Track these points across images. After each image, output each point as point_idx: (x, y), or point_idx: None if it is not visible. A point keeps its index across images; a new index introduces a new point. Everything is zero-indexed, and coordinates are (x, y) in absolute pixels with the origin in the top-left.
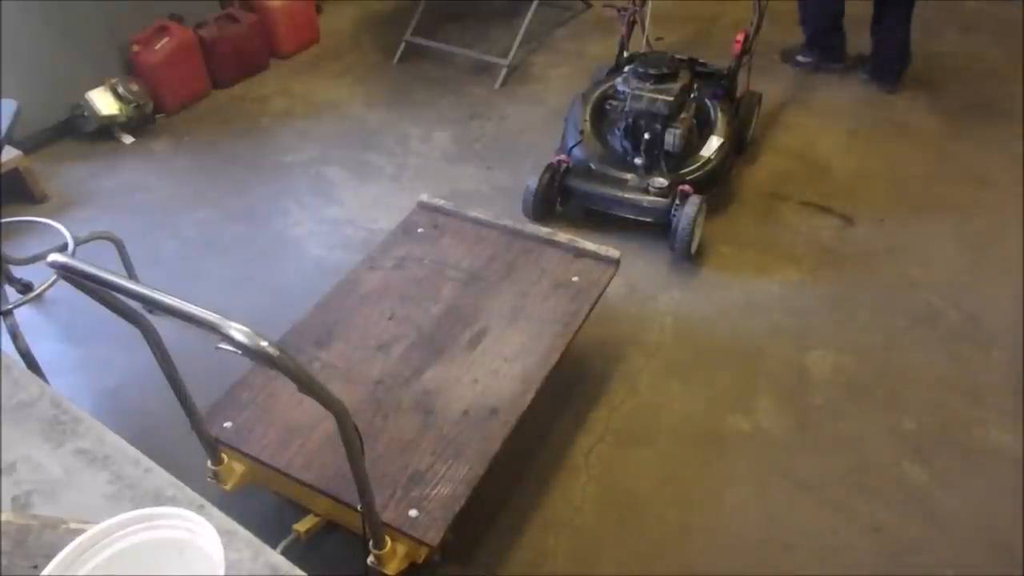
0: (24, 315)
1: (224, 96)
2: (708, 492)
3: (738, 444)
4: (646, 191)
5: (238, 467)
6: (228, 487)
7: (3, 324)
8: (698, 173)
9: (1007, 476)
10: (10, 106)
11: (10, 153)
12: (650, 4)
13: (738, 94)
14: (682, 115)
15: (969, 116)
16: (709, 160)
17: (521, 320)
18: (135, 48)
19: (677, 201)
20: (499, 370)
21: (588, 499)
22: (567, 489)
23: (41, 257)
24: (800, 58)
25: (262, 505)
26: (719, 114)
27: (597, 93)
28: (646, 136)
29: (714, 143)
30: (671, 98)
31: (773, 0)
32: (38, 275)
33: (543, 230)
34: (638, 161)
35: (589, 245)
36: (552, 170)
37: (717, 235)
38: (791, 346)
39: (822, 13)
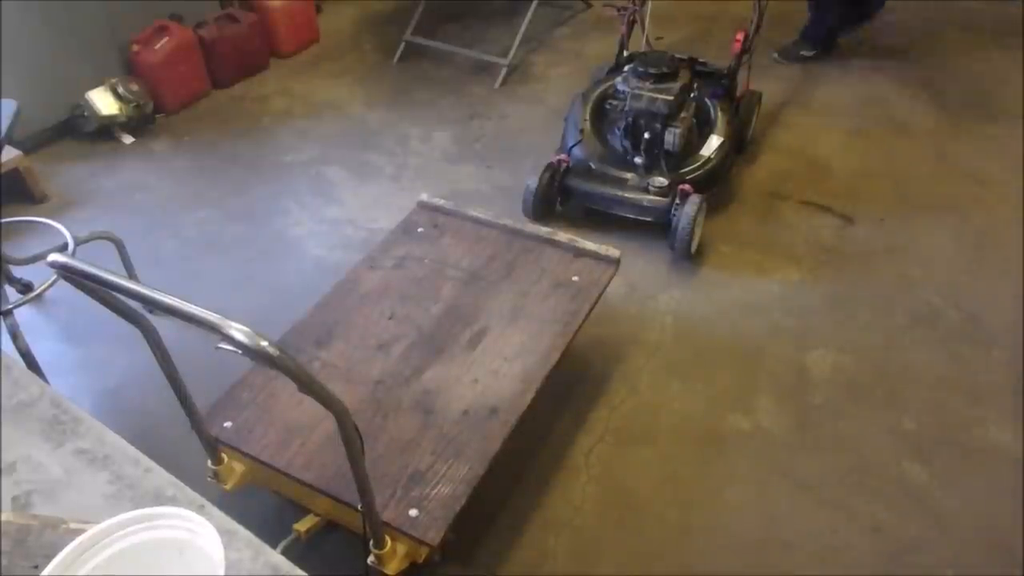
0: (24, 315)
1: (224, 96)
2: (708, 492)
3: (738, 444)
4: (646, 190)
5: (238, 467)
6: (228, 487)
7: (3, 324)
8: (698, 172)
9: (1007, 476)
10: (10, 106)
11: (10, 153)
12: (650, 4)
13: (738, 93)
14: (682, 114)
15: (969, 116)
16: (709, 159)
17: (521, 320)
18: (135, 48)
19: (677, 200)
20: (499, 370)
21: (588, 499)
22: (567, 489)
23: (41, 257)
24: (804, 53)
25: (262, 505)
26: (719, 113)
27: (597, 93)
28: (646, 135)
29: (714, 142)
30: (671, 97)
31: (773, 0)
32: (38, 275)
33: (543, 230)
34: (638, 160)
35: (589, 245)
36: (552, 170)
37: (717, 234)
38: (791, 345)
39: (842, 9)
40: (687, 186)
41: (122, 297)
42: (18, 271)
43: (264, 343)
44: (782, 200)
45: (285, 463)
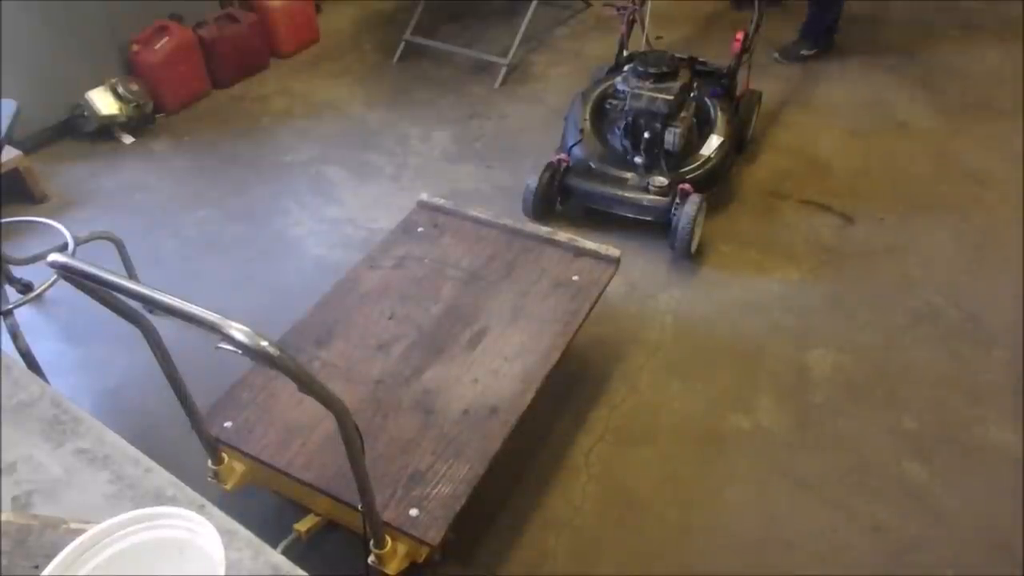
0: (24, 315)
1: (224, 96)
2: (708, 491)
3: (738, 443)
4: (646, 190)
5: (238, 467)
6: (228, 487)
7: (3, 324)
8: (698, 172)
9: (1007, 475)
10: (10, 106)
11: (10, 153)
12: (650, 3)
13: (738, 93)
14: (682, 114)
15: (969, 115)
16: (709, 159)
17: (521, 319)
18: (135, 48)
19: (677, 200)
20: (499, 369)
21: (588, 498)
22: (567, 488)
23: (41, 257)
24: (804, 52)
25: (262, 505)
26: (719, 113)
27: (597, 92)
28: (646, 135)
29: (714, 142)
30: (671, 97)
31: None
32: (38, 275)
33: (543, 229)
34: (638, 160)
35: (589, 244)
36: (552, 169)
37: (717, 234)
38: (791, 345)
39: (835, 8)
40: (687, 185)
41: (122, 297)
42: (18, 271)
43: (264, 343)
44: (782, 199)
45: (285, 463)
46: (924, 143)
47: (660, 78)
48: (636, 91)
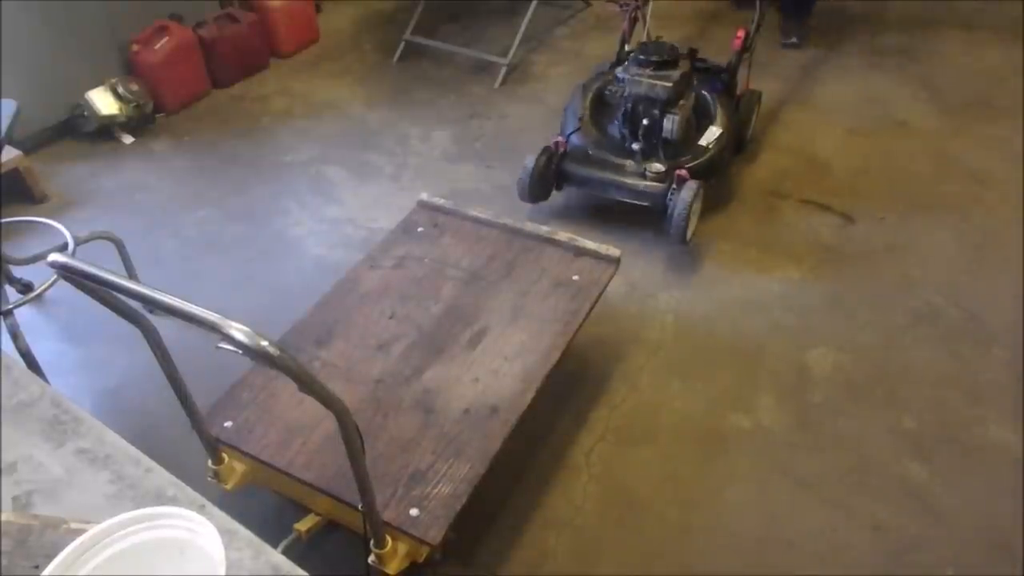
0: (24, 315)
1: (224, 96)
2: (708, 491)
3: (738, 442)
4: (643, 176)
5: (239, 467)
6: (229, 487)
7: (3, 324)
8: (696, 162)
9: (1007, 475)
10: (10, 106)
11: (10, 153)
12: (652, 1)
13: (738, 92)
14: (681, 102)
15: (969, 114)
16: (707, 149)
17: (521, 319)
18: (135, 48)
19: (674, 186)
20: (499, 369)
21: (589, 498)
22: (568, 488)
23: (41, 257)
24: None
25: (263, 505)
26: (718, 107)
27: (597, 83)
28: (644, 122)
29: (713, 133)
30: (670, 84)
31: None
32: (38, 275)
33: (543, 228)
34: (636, 147)
35: (589, 244)
36: (549, 153)
37: (717, 233)
38: (791, 344)
39: None
40: (684, 172)
41: (122, 297)
42: (18, 271)
43: (264, 343)
44: (782, 199)
45: (286, 463)
46: (924, 142)
47: (660, 66)
48: (636, 78)
